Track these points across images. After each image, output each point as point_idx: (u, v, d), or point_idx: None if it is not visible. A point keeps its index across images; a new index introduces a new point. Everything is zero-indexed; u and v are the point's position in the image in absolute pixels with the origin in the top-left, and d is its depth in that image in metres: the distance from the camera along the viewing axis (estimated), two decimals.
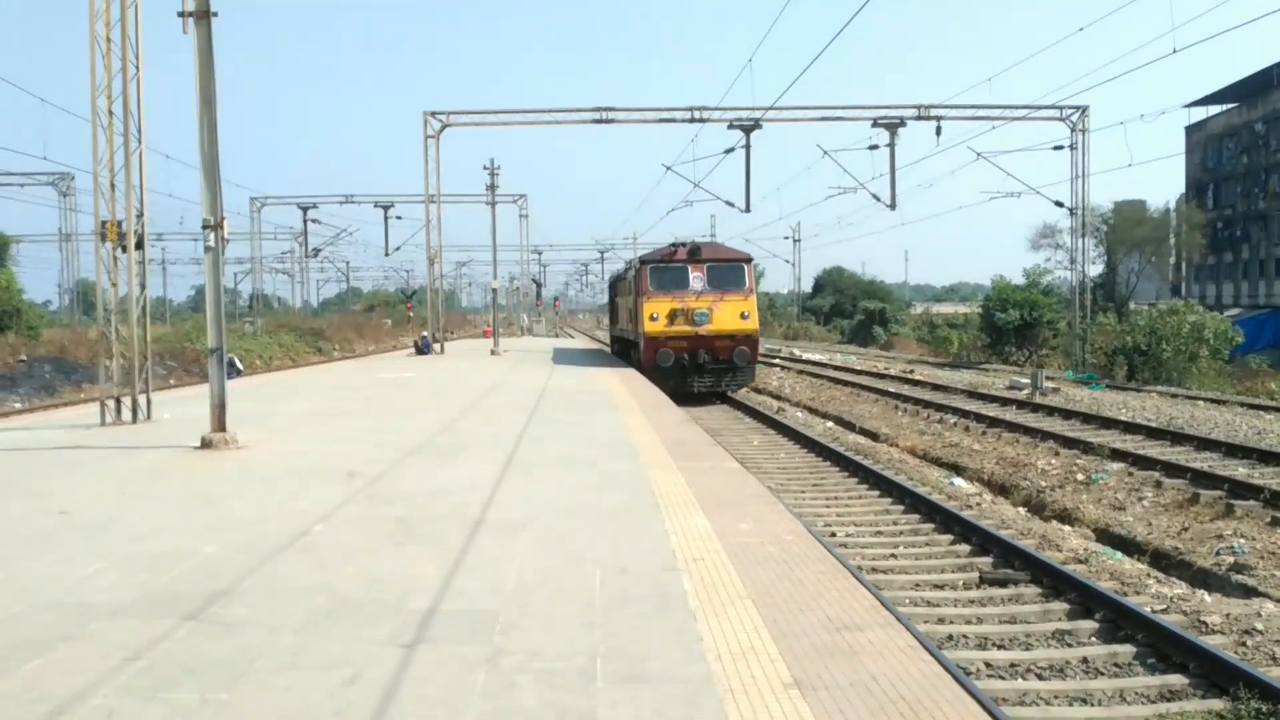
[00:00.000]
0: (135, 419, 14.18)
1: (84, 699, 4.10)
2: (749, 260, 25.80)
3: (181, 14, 11.27)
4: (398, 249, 53.78)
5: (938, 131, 30.75)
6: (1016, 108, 31.89)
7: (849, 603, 5.58)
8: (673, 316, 23.97)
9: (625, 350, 31.92)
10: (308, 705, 4.10)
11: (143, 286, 14.04)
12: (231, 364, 30.15)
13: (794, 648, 4.83)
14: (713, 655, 4.71)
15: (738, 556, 6.48)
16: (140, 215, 13.62)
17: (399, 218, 52.22)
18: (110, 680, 4.31)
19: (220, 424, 11.54)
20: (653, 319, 24.09)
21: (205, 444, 11.42)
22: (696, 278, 24.42)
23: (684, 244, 25.33)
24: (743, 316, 24.21)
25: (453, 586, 5.73)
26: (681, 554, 6.51)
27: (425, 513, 7.76)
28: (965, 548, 10.17)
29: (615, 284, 37.60)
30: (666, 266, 24.81)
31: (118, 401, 14.21)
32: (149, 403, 14.46)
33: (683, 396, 22.51)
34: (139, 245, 13.63)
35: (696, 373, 24.26)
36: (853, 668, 4.58)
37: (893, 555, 10.08)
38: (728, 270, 24.88)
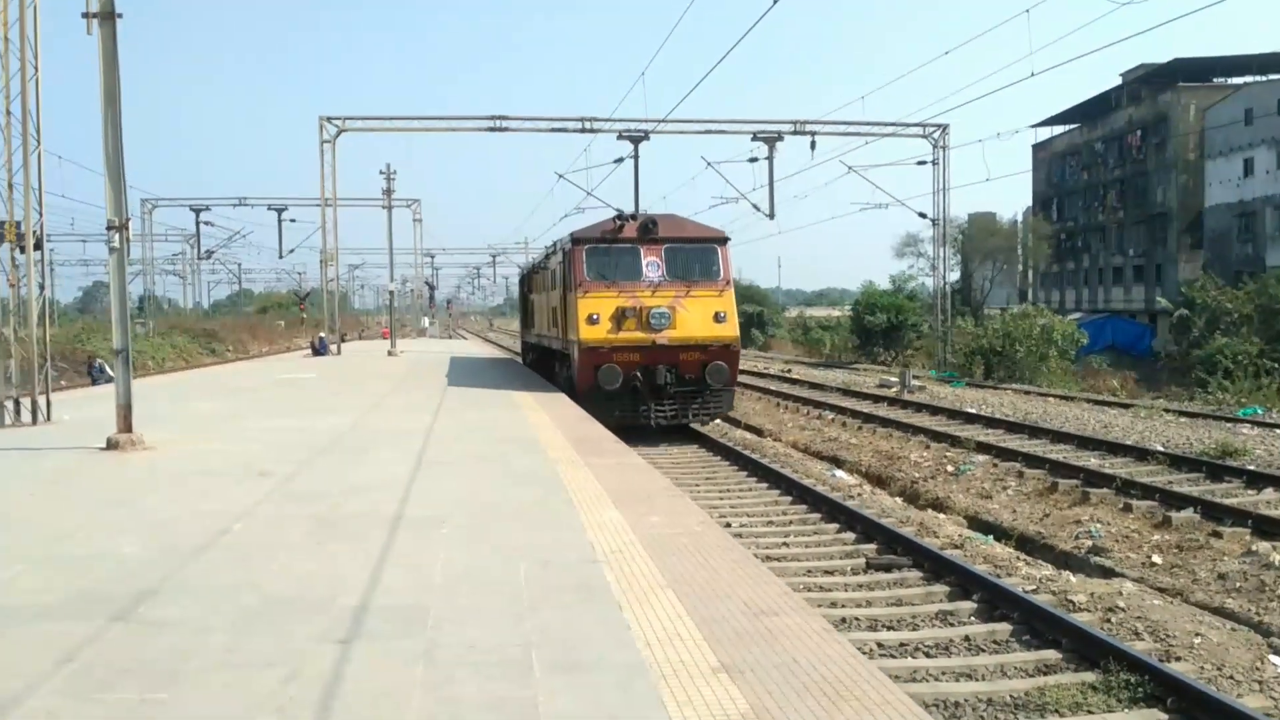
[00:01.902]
0: (35, 420, 13.97)
1: (21, 701, 4.01)
2: (724, 241, 18.99)
3: (86, 15, 11.04)
4: (291, 251, 53.10)
5: (812, 145, 32.10)
6: (885, 124, 33.47)
7: (762, 589, 5.88)
8: (619, 318, 17.64)
9: (545, 362, 25.09)
10: (249, 703, 4.10)
11: (41, 287, 14.00)
12: (102, 369, 28.88)
13: (717, 633, 5.06)
14: (641, 642, 4.90)
15: (653, 548, 6.71)
16: (39, 216, 13.51)
17: (293, 220, 51.64)
18: (45, 682, 4.22)
19: (126, 424, 11.38)
20: (591, 321, 17.67)
21: (111, 445, 11.25)
22: (652, 264, 18.18)
23: (631, 216, 19.15)
24: (717, 319, 17.96)
25: (381, 583, 5.76)
26: (600, 546, 6.70)
27: (343, 510, 7.74)
28: (850, 535, 10.69)
29: (530, 276, 30.08)
30: (609, 247, 18.41)
31: (16, 403, 13.96)
32: (49, 404, 14.26)
33: (633, 431, 17.19)
34: (37, 246, 13.52)
35: (654, 397, 17.78)
36: (775, 651, 4.84)
37: (784, 544, 10.51)
38: (695, 254, 18.62)
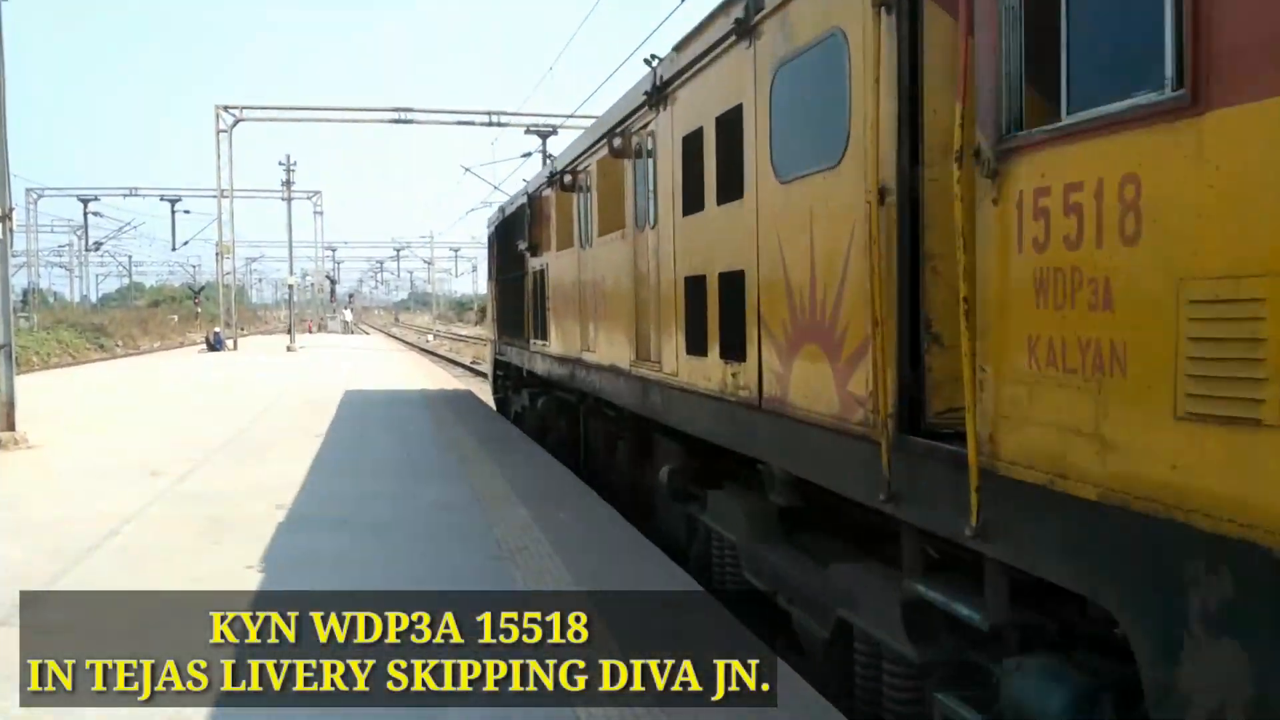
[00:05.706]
0: None
1: None
2: None
3: None
4: (185, 244, 51.60)
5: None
6: None
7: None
8: None
9: (568, 424, 11.39)
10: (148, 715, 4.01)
11: None
12: None
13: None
14: None
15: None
16: None
17: (187, 212, 50.30)
18: None
19: (10, 423, 11.05)
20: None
21: None
22: None
23: None
24: None
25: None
26: (506, 545, 6.69)
27: (240, 511, 7.56)
28: None
29: (540, 200, 11.97)
30: None
31: None
32: None
33: None
34: None
35: None
36: None
37: None
38: None
